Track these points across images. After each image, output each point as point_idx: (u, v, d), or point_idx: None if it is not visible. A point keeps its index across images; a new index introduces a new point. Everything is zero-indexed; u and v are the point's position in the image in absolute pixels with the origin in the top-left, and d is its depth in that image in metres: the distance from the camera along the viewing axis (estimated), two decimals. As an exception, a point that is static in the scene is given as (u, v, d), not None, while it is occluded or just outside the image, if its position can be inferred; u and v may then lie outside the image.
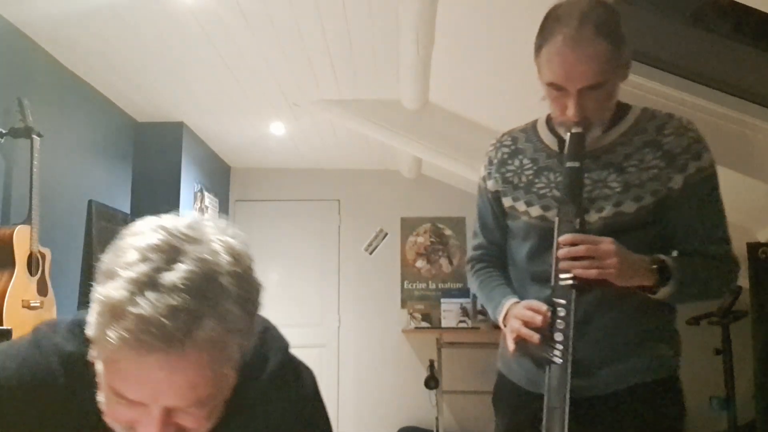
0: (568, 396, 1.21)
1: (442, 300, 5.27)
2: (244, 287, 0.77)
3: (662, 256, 1.28)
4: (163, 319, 0.69)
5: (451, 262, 5.53)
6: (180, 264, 0.73)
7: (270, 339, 0.94)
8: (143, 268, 0.72)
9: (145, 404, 0.74)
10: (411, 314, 5.36)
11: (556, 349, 1.24)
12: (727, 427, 3.72)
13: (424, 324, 5.30)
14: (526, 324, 1.28)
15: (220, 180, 5.41)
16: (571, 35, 1.23)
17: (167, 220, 0.79)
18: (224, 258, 0.76)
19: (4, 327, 2.46)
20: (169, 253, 0.74)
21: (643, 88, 2.63)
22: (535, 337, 1.26)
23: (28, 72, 3.07)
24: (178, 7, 2.77)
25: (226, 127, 4.55)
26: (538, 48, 1.31)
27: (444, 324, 5.20)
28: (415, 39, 2.78)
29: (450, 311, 5.21)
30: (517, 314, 1.32)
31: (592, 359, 1.31)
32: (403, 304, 5.46)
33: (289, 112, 4.17)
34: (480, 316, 5.28)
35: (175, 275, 0.72)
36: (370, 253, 5.59)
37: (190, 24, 2.92)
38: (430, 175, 5.53)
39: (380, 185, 5.64)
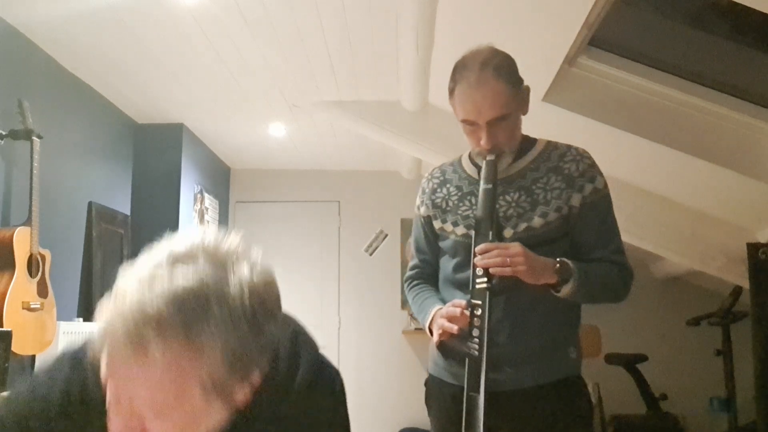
0: (483, 381, 1.42)
1: (443, 301, 5.26)
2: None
3: (565, 259, 1.49)
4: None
5: (451, 263, 5.52)
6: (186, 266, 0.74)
7: (301, 344, 0.94)
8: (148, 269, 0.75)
9: None
10: (411, 315, 5.35)
11: (473, 343, 1.45)
12: (727, 428, 3.72)
13: (424, 325, 5.29)
14: (449, 319, 1.50)
15: (220, 181, 5.41)
16: (476, 78, 1.50)
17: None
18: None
19: (4, 329, 2.46)
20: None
21: (644, 89, 2.63)
22: (454, 328, 1.48)
23: (28, 74, 3.07)
24: (178, 8, 2.77)
25: (226, 128, 4.55)
26: (451, 91, 1.56)
27: (444, 325, 5.19)
28: (414, 40, 2.78)
29: (450, 312, 5.20)
30: (441, 313, 1.56)
31: (507, 356, 1.51)
32: (404, 305, 5.45)
33: (289, 114, 4.17)
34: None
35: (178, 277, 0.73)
36: (371, 254, 5.59)
37: (190, 25, 2.93)
38: (430, 176, 5.52)
39: (380, 186, 5.63)
